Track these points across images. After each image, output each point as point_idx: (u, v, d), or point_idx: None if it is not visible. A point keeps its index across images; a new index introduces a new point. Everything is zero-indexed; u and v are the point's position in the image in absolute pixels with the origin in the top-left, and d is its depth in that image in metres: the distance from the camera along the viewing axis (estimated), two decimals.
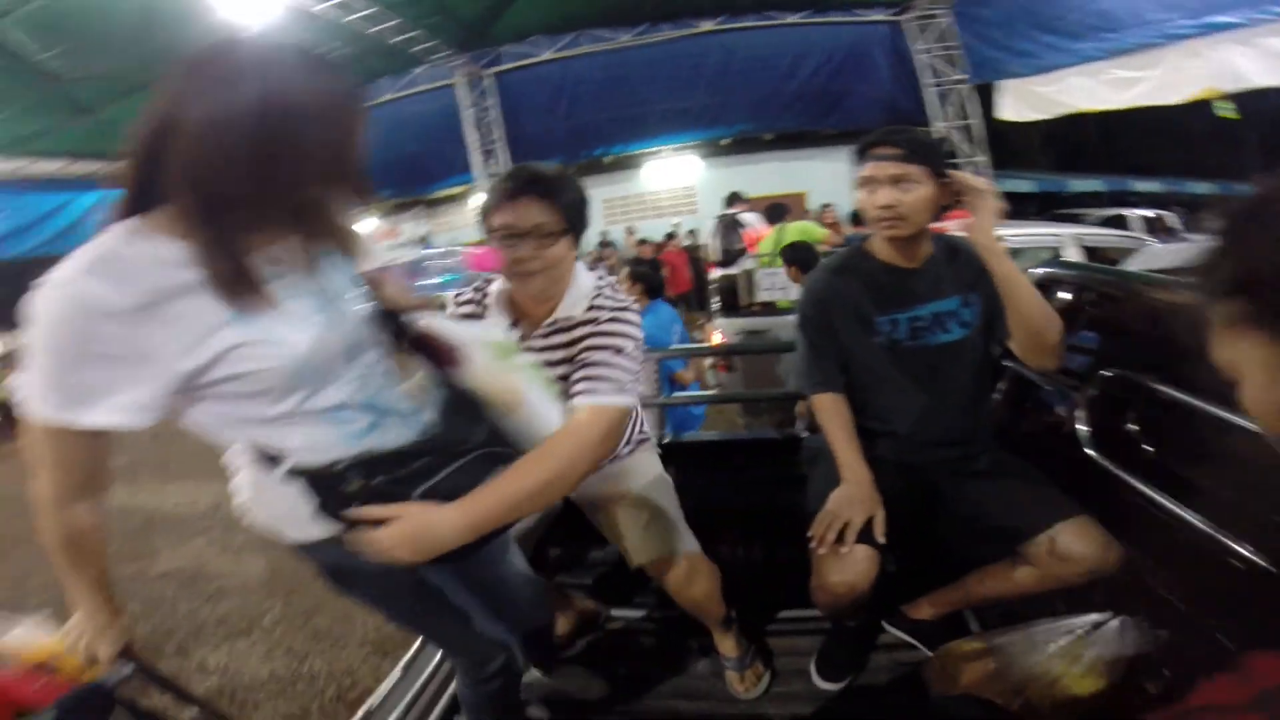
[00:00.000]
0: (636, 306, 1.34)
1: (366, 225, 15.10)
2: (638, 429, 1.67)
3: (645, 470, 1.57)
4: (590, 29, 9.58)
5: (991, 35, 8.26)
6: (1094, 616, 1.17)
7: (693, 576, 1.45)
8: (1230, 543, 1.02)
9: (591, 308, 1.30)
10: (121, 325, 0.74)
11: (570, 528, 1.67)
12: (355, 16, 7.70)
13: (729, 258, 5.56)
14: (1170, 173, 13.68)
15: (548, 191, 1.21)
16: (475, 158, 10.93)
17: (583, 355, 1.22)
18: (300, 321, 0.86)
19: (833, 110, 10.25)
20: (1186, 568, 1.17)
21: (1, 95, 7.06)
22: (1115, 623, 1.15)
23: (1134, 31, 6.30)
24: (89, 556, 0.88)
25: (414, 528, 0.90)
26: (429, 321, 1.05)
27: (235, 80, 0.75)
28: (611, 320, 1.26)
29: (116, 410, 0.76)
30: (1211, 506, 1.09)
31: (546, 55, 10.03)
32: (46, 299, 0.73)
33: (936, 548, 1.47)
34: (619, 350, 1.21)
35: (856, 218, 6.48)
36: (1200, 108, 6.68)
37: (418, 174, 12.01)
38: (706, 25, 9.47)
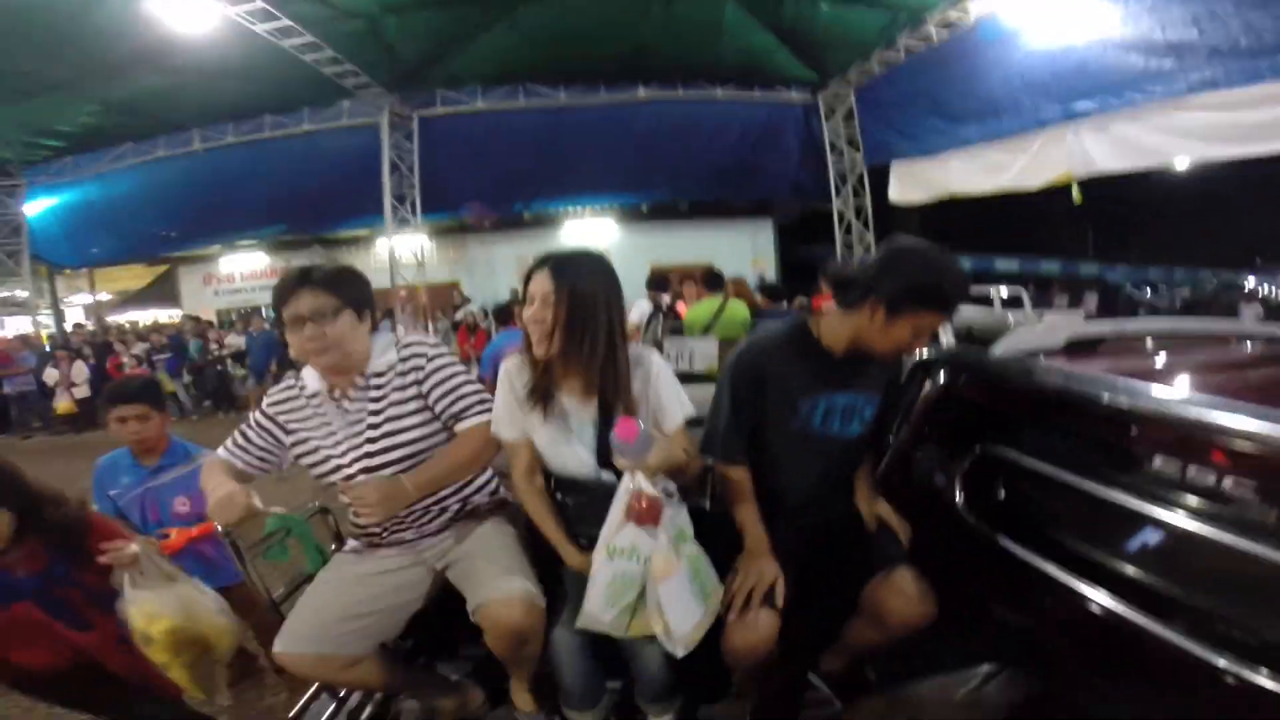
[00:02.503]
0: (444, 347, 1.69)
1: (252, 261, 13.97)
2: (489, 487, 1.79)
3: (491, 529, 1.67)
4: (528, 83, 9.82)
5: (888, 118, 9.38)
6: (983, 669, 1.30)
7: (513, 609, 1.43)
8: (1090, 591, 1.16)
9: (407, 357, 1.60)
10: None
11: (449, 611, 1.65)
12: (295, 41, 7.44)
13: (659, 346, 5.74)
14: (1025, 251, 16.10)
15: (321, 280, 1.50)
16: (387, 201, 10.40)
17: (436, 389, 1.58)
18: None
19: (745, 184, 11.15)
20: (1058, 621, 1.27)
21: None
22: (1003, 675, 1.28)
23: (1011, 118, 7.39)
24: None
25: (386, 488, 1.47)
26: (644, 484, 1.31)
27: None
28: (439, 357, 1.61)
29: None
30: (1076, 563, 1.23)
31: (479, 105, 10.08)
32: None
33: (836, 600, 1.58)
34: (460, 375, 1.61)
35: (767, 289, 7.01)
36: (1049, 192, 8.03)
37: (321, 211, 11.45)
38: (643, 93, 10.00)
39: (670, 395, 1.53)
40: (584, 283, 1.42)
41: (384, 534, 1.63)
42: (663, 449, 1.35)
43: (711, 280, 5.34)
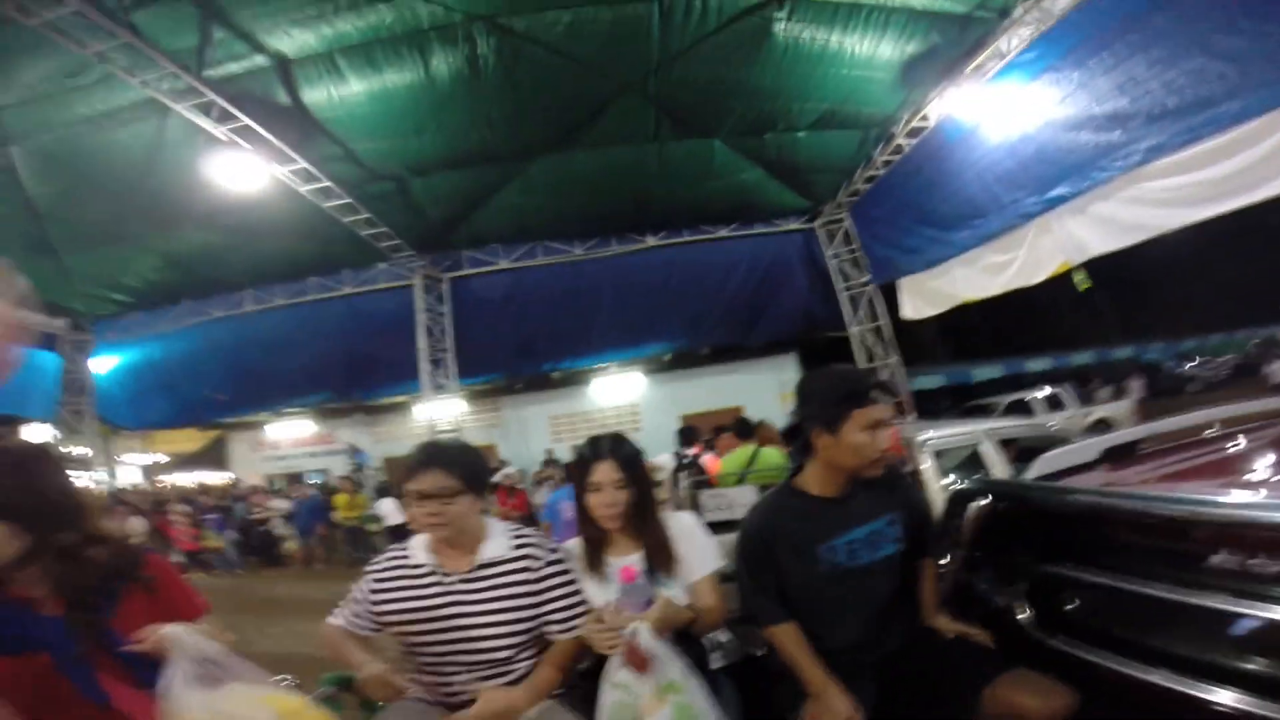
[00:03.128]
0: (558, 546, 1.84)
1: (298, 428, 14.66)
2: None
3: (552, 707, 1.72)
4: (546, 241, 10.74)
5: (883, 234, 9.72)
6: None
7: None
8: (1189, 691, 1.24)
9: (521, 556, 1.74)
10: None
11: None
12: (334, 203, 8.54)
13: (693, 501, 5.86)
14: (1053, 347, 15.51)
15: (447, 461, 1.68)
16: (423, 365, 10.96)
17: (551, 593, 1.72)
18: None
19: (758, 322, 11.36)
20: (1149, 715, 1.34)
21: None
22: None
23: (996, 216, 7.54)
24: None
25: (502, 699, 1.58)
26: (640, 635, 1.54)
27: None
28: (557, 560, 1.76)
29: None
30: (1150, 656, 1.34)
31: (502, 264, 10.97)
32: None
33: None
34: (578, 585, 1.77)
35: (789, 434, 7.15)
36: (1061, 281, 7.89)
37: (361, 377, 11.97)
38: (651, 240, 10.79)
39: (697, 550, 1.80)
40: (638, 465, 1.78)
41: (450, 697, 1.71)
42: (663, 607, 1.61)
43: (743, 429, 5.55)
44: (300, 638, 5.54)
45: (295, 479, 13.24)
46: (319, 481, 13.30)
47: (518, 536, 1.76)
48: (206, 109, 6.28)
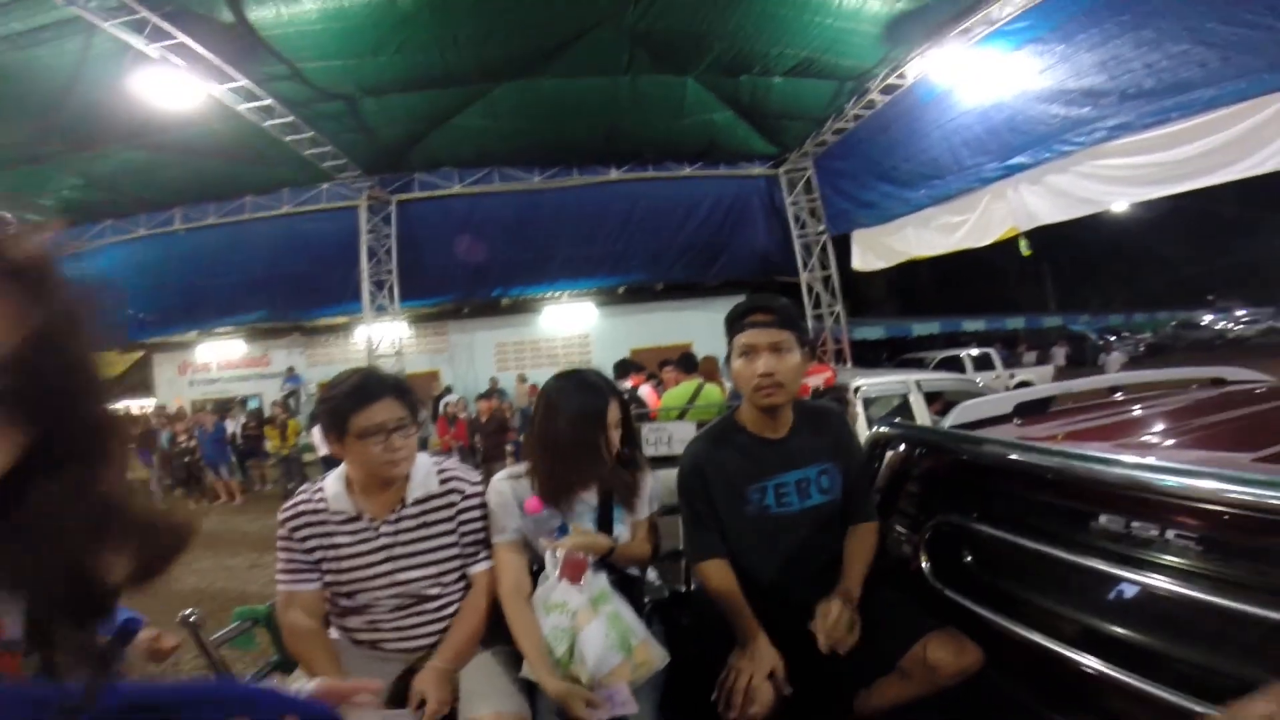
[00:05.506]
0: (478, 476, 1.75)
1: (229, 349, 13.93)
2: None
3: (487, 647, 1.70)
4: (503, 167, 10.31)
5: (844, 187, 9.89)
6: None
7: None
8: (1058, 649, 1.25)
9: (447, 491, 1.65)
10: None
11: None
12: (276, 122, 7.83)
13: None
14: (990, 310, 16.57)
15: (398, 390, 1.56)
16: (365, 287, 10.62)
17: (467, 525, 1.65)
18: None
19: (715, 262, 11.47)
20: (1028, 676, 1.37)
21: None
22: None
23: (955, 178, 7.79)
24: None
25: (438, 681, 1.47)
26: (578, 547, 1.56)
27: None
28: (476, 495, 1.67)
29: None
30: (1037, 617, 1.35)
31: (456, 188, 10.52)
32: None
33: (823, 681, 1.60)
34: (484, 520, 1.67)
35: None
36: (1007, 246, 8.36)
37: (300, 297, 11.45)
38: (615, 173, 10.54)
39: (642, 496, 1.75)
40: (623, 398, 1.68)
41: (376, 644, 1.63)
42: (580, 538, 1.58)
43: (687, 363, 5.55)
44: (229, 572, 5.56)
45: (224, 404, 12.63)
46: (253, 407, 12.78)
47: (441, 470, 1.67)
48: (139, 26, 5.57)
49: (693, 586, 1.98)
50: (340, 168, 9.46)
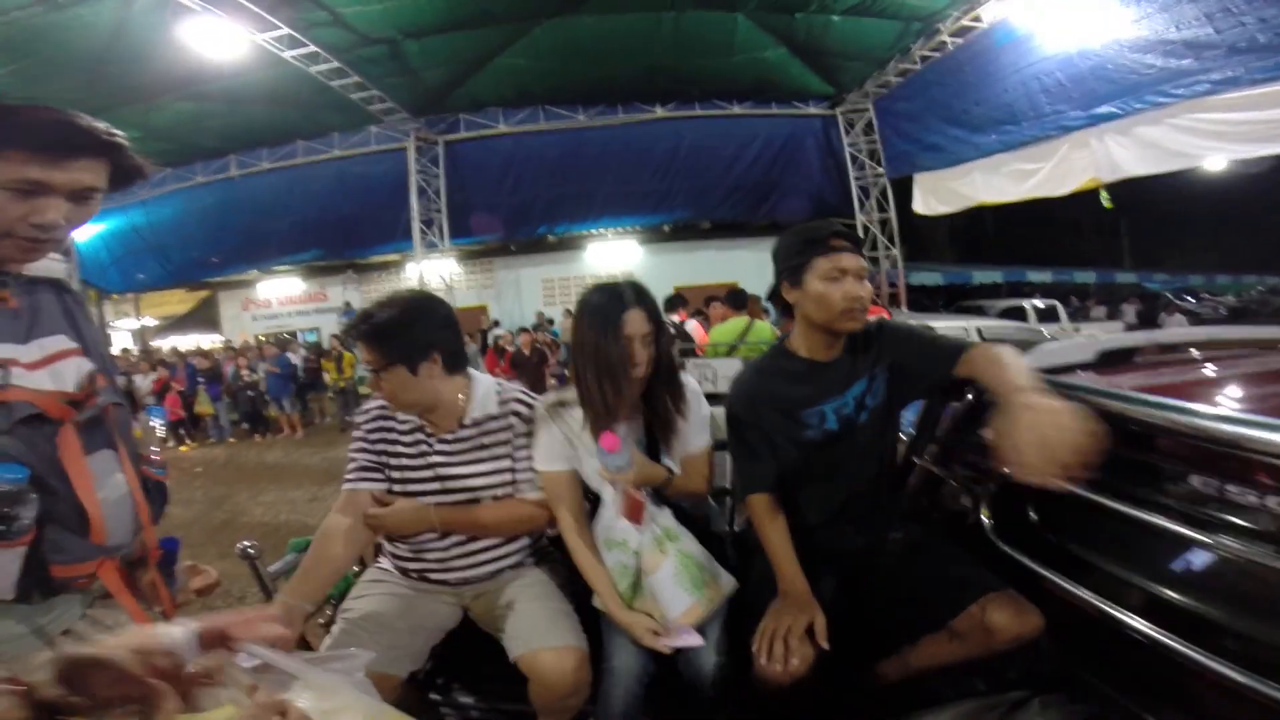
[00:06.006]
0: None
1: (288, 287, 14.47)
2: (533, 543, 1.77)
3: (534, 578, 1.67)
4: (548, 105, 10.06)
5: (906, 130, 9.31)
6: (1013, 695, 1.22)
7: (564, 662, 1.43)
8: (1124, 617, 1.13)
9: (505, 413, 1.63)
10: None
11: (467, 645, 1.67)
12: (322, 68, 7.76)
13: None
14: (1058, 262, 15.56)
15: (369, 334, 1.51)
16: (416, 226, 10.77)
17: (519, 452, 1.63)
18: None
19: (765, 201, 11.09)
20: (1087, 644, 1.27)
21: None
22: (1035, 702, 1.21)
23: (1031, 124, 7.22)
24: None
25: (410, 511, 1.55)
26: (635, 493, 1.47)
27: None
28: (533, 422, 1.64)
29: None
30: (1107, 584, 1.21)
31: (501, 128, 10.36)
32: None
33: (867, 628, 1.53)
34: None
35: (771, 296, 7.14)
36: (1081, 198, 7.81)
37: (353, 236, 11.79)
38: (660, 111, 10.15)
39: (695, 422, 1.64)
40: (661, 318, 1.58)
41: (424, 574, 1.64)
42: (642, 468, 1.49)
43: (736, 300, 5.35)
44: (291, 504, 5.74)
45: (285, 338, 13.19)
46: (311, 340, 13.35)
47: (502, 392, 1.66)
48: None
49: (736, 526, 1.91)
50: (387, 111, 9.41)
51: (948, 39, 7.51)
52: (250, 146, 10.20)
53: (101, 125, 1.03)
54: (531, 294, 13.91)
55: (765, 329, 5.07)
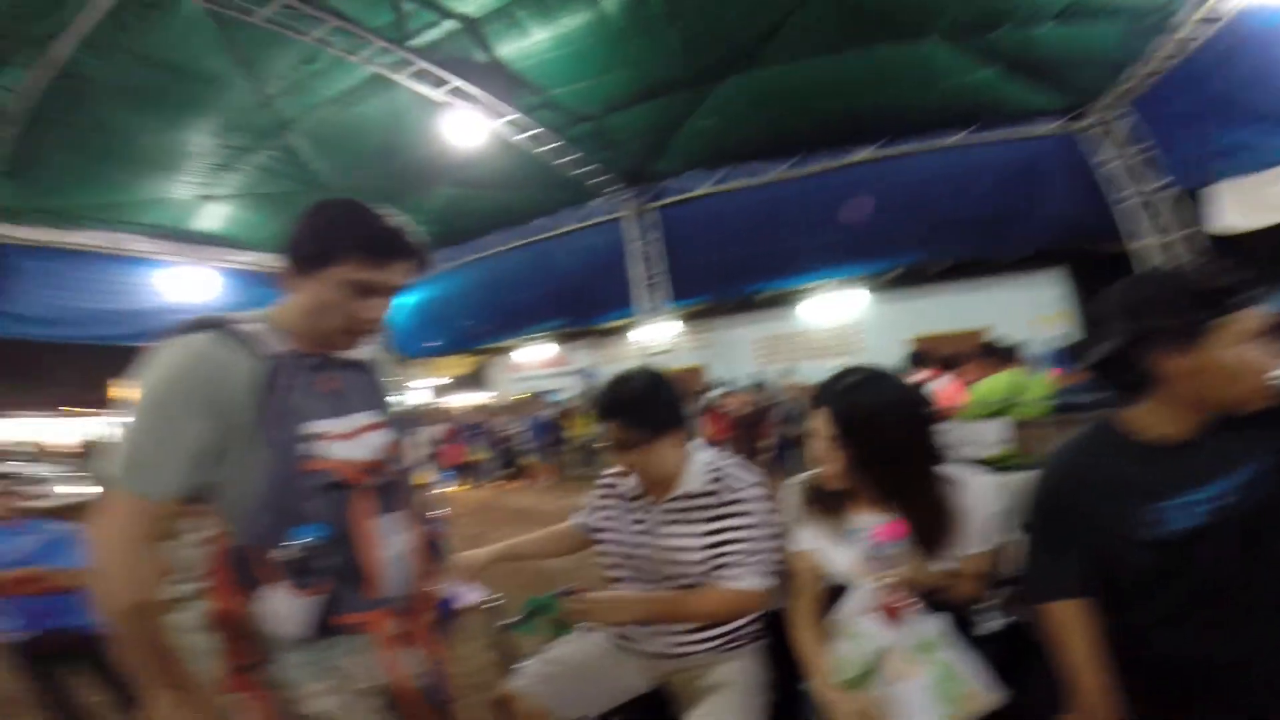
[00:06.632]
0: (760, 483, 1.63)
1: (540, 352, 16.56)
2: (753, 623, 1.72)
3: (739, 668, 1.63)
4: (742, 162, 10.28)
5: (1183, 134, 7.45)
6: None
7: None
8: None
9: (714, 481, 1.61)
10: None
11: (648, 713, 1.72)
12: (543, 149, 9.09)
13: None
14: None
15: (624, 412, 1.59)
16: (638, 291, 11.65)
17: (726, 533, 1.57)
18: None
19: (1007, 234, 9.62)
20: None
21: (285, 199, 9.18)
22: None
23: None
24: None
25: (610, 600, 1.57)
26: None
27: None
28: (753, 501, 1.59)
29: None
30: None
31: (702, 190, 10.85)
32: None
33: None
34: (755, 533, 1.57)
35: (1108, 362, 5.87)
36: None
37: (587, 304, 12.93)
38: (860, 154, 9.69)
39: (980, 523, 1.45)
40: (863, 419, 1.42)
41: (627, 637, 1.71)
42: (916, 569, 1.39)
43: (995, 351, 4.76)
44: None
45: (536, 398, 14.97)
46: (557, 400, 14.96)
47: (715, 468, 1.64)
48: (421, 76, 7.05)
49: (1007, 619, 1.60)
50: (603, 183, 10.56)
51: (1192, 32, 6.12)
52: (501, 226, 12.11)
53: (413, 231, 1.26)
54: (745, 353, 13.84)
55: (1040, 384, 4.42)
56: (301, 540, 1.09)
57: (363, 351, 1.31)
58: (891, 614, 1.32)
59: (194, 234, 10.20)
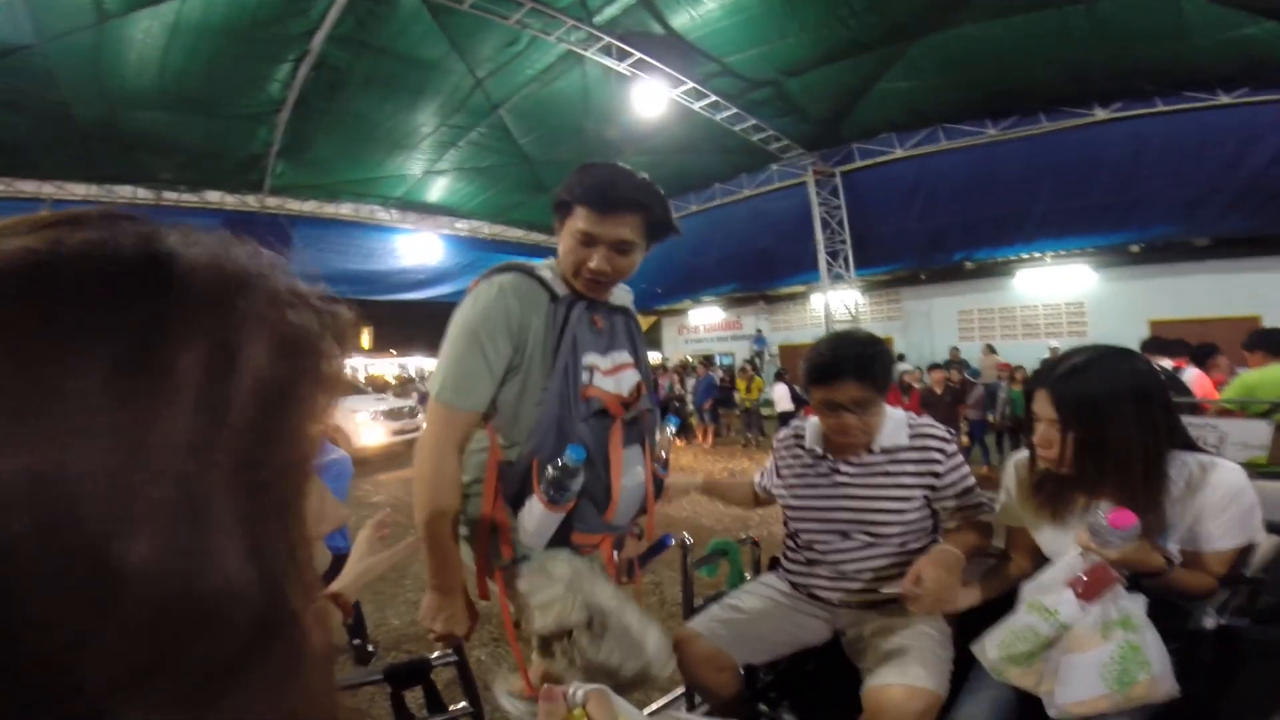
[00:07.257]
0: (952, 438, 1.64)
1: (712, 315, 16.70)
2: None
3: (926, 627, 1.54)
4: (947, 124, 9.38)
5: None
6: None
7: (914, 701, 1.33)
8: None
9: (921, 446, 1.60)
10: None
11: (828, 671, 1.69)
12: (724, 115, 9.06)
13: None
14: None
15: (860, 369, 1.50)
16: (821, 258, 11.32)
17: (959, 484, 1.60)
18: None
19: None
20: None
21: (497, 172, 10.26)
22: None
23: None
24: None
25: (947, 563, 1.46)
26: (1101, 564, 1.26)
27: None
28: (958, 454, 1.62)
29: None
30: None
31: (897, 153, 10.08)
32: None
33: None
34: (972, 477, 1.62)
35: None
36: None
37: (765, 269, 12.96)
38: (1101, 114, 8.40)
39: (1222, 520, 1.27)
40: (1088, 405, 1.28)
41: (811, 590, 1.69)
42: (1140, 549, 1.23)
43: (1268, 340, 4.05)
44: (694, 503, 6.09)
45: (708, 360, 15.19)
46: (726, 364, 15.02)
47: (917, 430, 1.62)
48: (607, 51, 7.42)
49: (1226, 619, 1.45)
50: (784, 148, 10.29)
51: None
52: (681, 192, 12.31)
53: (638, 183, 1.28)
54: (944, 326, 12.61)
55: None
56: (567, 459, 1.17)
57: (620, 298, 1.44)
58: (1092, 589, 1.20)
59: (423, 205, 11.86)
